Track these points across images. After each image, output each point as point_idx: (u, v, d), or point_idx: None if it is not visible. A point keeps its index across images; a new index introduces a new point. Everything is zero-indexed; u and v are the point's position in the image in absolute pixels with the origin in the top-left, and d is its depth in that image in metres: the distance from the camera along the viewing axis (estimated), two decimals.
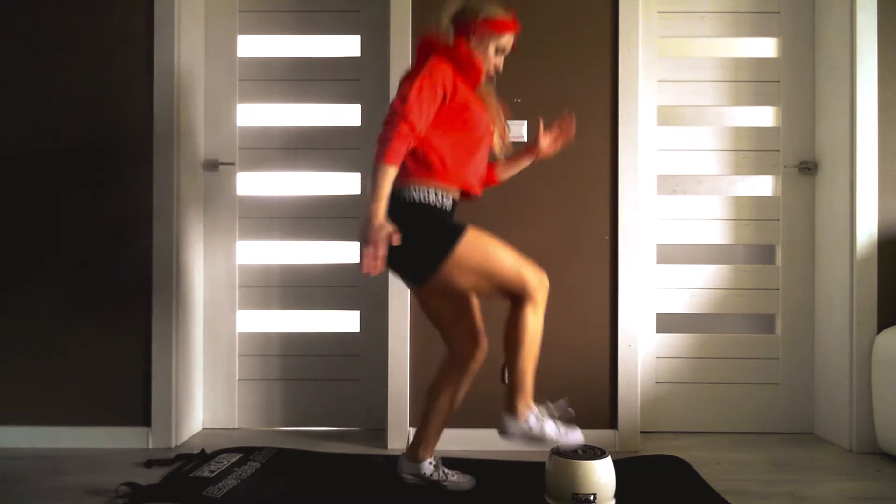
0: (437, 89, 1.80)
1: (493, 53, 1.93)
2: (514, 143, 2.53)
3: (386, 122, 1.77)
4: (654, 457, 2.38)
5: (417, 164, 1.84)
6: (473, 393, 2.49)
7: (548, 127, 2.16)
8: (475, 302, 2.04)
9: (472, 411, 2.52)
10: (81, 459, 2.37)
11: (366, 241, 1.72)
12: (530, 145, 2.15)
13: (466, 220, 1.91)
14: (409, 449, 2.10)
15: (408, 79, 1.85)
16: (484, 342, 2.04)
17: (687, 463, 2.29)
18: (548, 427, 1.86)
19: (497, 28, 1.90)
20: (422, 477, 2.06)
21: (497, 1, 1.92)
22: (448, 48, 1.88)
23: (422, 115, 1.78)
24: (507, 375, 1.92)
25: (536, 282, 1.85)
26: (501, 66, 1.98)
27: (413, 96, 1.76)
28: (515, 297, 1.86)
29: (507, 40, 1.93)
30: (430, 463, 2.08)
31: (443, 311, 2.01)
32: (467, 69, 1.89)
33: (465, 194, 1.98)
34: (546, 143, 2.14)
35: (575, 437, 1.87)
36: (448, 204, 1.90)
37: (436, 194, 1.86)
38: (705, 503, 1.93)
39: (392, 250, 1.77)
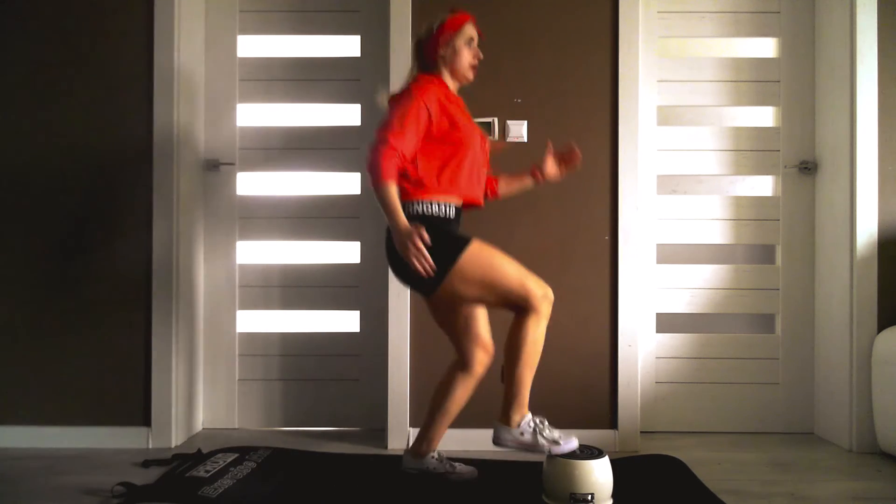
0: (421, 111, 1.87)
1: (466, 46, 2.00)
2: (515, 144, 2.54)
3: (371, 150, 1.84)
4: (650, 457, 2.38)
5: (413, 185, 1.91)
6: (474, 393, 2.49)
7: (555, 152, 2.20)
8: (484, 310, 2.07)
9: (471, 411, 2.52)
10: (81, 459, 2.37)
11: (406, 253, 1.79)
12: (535, 167, 2.18)
13: (469, 226, 1.93)
14: (413, 446, 2.14)
15: (391, 104, 1.93)
16: (491, 349, 2.08)
17: (683, 463, 2.29)
18: (541, 436, 1.89)
19: (453, 26, 1.99)
20: (426, 471, 2.11)
21: (441, 11, 2.03)
22: (425, 73, 2.00)
23: (405, 137, 1.84)
24: (511, 385, 1.94)
25: (540, 294, 1.88)
26: (480, 54, 2.05)
27: (395, 121, 1.85)
28: (519, 308, 1.89)
29: (470, 30, 2.01)
30: (433, 457, 2.13)
31: (452, 319, 2.05)
32: (453, 65, 1.99)
33: (469, 205, 2.04)
34: (551, 167, 2.18)
35: (570, 445, 1.88)
36: (451, 213, 1.95)
37: (438, 206, 1.92)
38: (701, 503, 1.93)
39: (398, 262, 1.88)
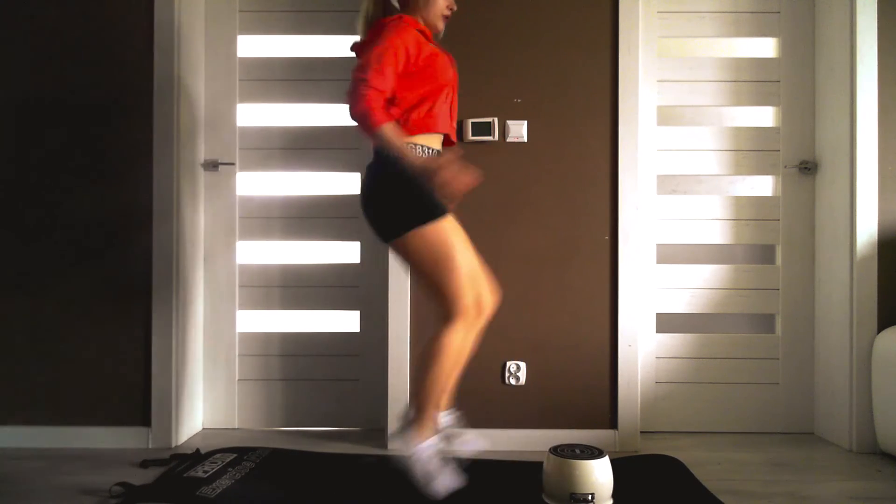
0: (399, 51, 1.85)
1: None
2: (514, 143, 2.54)
3: (351, 92, 1.81)
4: (648, 456, 2.38)
5: (394, 122, 1.88)
6: (473, 393, 2.50)
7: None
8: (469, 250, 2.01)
9: (471, 412, 2.53)
10: (81, 459, 2.37)
11: (433, 183, 1.79)
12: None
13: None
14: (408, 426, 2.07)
15: (362, 46, 1.91)
16: (491, 288, 2.00)
17: (681, 462, 2.29)
18: (434, 461, 1.88)
19: None
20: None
21: None
22: (400, 14, 1.96)
23: (383, 77, 1.82)
24: (417, 393, 1.90)
25: (470, 307, 1.84)
26: (454, 5, 2.04)
27: (373, 61, 1.81)
28: (444, 309, 1.85)
29: None
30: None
31: (425, 260, 1.92)
32: (426, 9, 1.97)
33: (445, 143, 2.04)
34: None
35: (451, 482, 1.88)
36: (433, 155, 1.94)
37: (421, 148, 1.91)
38: (699, 502, 1.93)
39: (371, 199, 1.86)
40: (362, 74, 1.81)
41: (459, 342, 1.85)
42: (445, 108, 1.98)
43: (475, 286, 1.85)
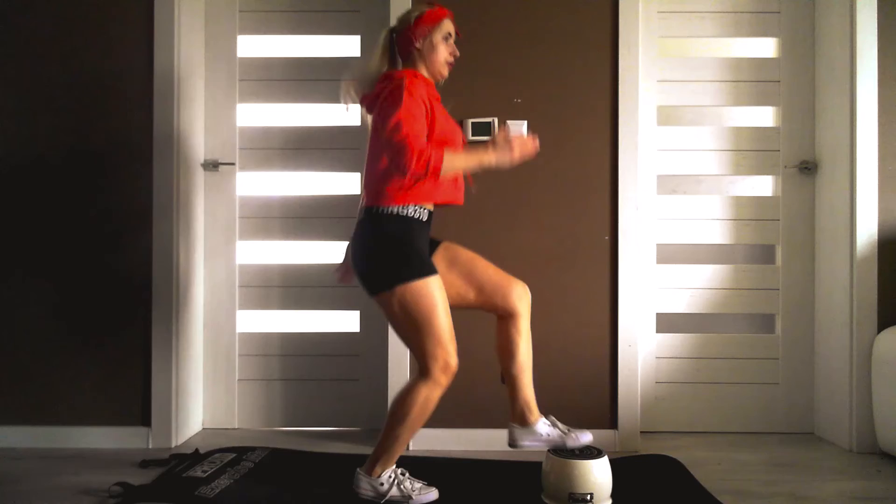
0: (421, 105, 1.84)
1: (443, 42, 1.97)
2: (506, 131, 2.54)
3: (397, 163, 1.80)
4: (647, 456, 2.39)
5: (399, 187, 1.86)
6: (473, 393, 2.50)
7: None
8: (480, 264, 2.01)
9: (470, 412, 2.53)
10: (81, 459, 2.37)
11: (515, 158, 1.89)
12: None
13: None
14: (515, 417, 2.01)
15: (388, 106, 1.83)
16: (517, 286, 2.00)
17: (680, 462, 2.29)
18: (399, 488, 1.90)
19: (432, 20, 1.95)
20: (543, 438, 1.97)
21: (417, 2, 1.99)
22: (407, 68, 1.95)
23: (420, 135, 1.81)
24: (382, 437, 1.91)
25: (446, 365, 1.84)
26: (457, 51, 2.01)
27: (404, 122, 1.79)
28: (421, 365, 1.85)
29: (448, 26, 1.98)
30: (545, 423, 1.99)
31: (404, 320, 1.88)
32: (429, 60, 1.95)
33: (448, 204, 2.01)
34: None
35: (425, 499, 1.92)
36: (424, 216, 1.92)
37: (412, 209, 1.88)
38: (697, 502, 1.94)
39: (360, 253, 1.87)
40: (398, 137, 1.78)
41: (432, 398, 1.86)
42: (451, 177, 1.94)
43: (449, 348, 1.85)
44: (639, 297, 2.53)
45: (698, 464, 2.33)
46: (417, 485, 1.92)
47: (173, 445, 2.51)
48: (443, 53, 1.96)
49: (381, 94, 1.88)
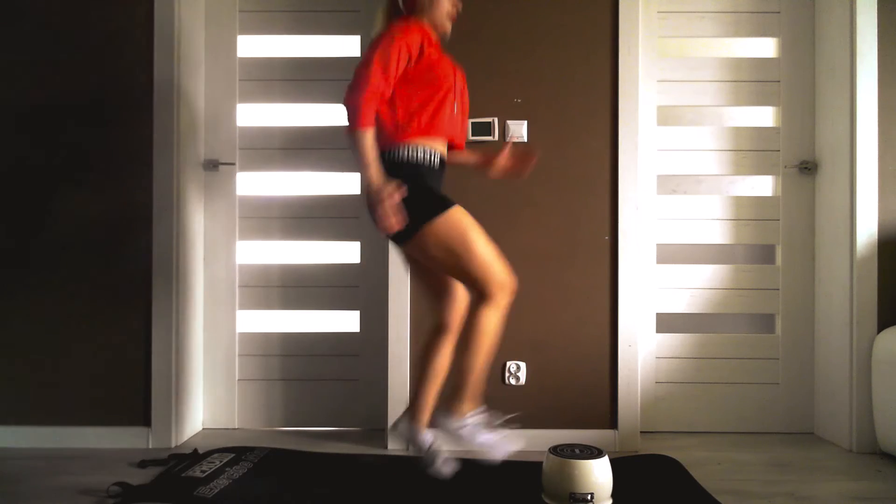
0: (402, 52, 1.87)
1: None
2: (514, 143, 2.54)
3: (350, 87, 1.84)
4: (645, 456, 2.39)
5: (396, 126, 1.90)
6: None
7: (514, 152, 2.21)
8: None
9: None
10: (81, 459, 2.37)
11: (375, 204, 1.81)
12: (487, 155, 2.20)
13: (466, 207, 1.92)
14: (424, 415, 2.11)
15: (371, 45, 1.91)
16: (460, 297, 2.05)
17: (678, 462, 2.29)
18: (479, 434, 1.91)
19: None
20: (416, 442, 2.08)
21: None
22: (406, 16, 1.98)
23: (386, 77, 1.84)
24: (458, 373, 1.92)
25: (502, 282, 1.87)
26: (460, 4, 2.05)
27: (375, 59, 1.84)
28: (476, 291, 1.88)
29: None
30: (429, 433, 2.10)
31: (447, 258, 1.90)
32: (432, 11, 1.98)
33: (451, 147, 2.05)
34: (503, 162, 2.19)
35: (505, 448, 1.92)
36: (436, 161, 1.95)
37: (423, 151, 1.91)
38: (695, 502, 1.94)
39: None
40: (363, 70, 1.83)
41: (497, 321, 1.88)
42: (450, 114, 1.98)
43: (497, 266, 1.88)
44: (639, 297, 2.53)
45: (698, 464, 2.33)
46: (495, 439, 1.93)
47: (173, 445, 2.51)
48: (445, 5, 2.00)
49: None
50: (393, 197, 1.78)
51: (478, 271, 1.85)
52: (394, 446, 2.52)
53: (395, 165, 1.89)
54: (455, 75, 2.01)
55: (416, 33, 1.91)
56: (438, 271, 1.97)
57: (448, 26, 2.05)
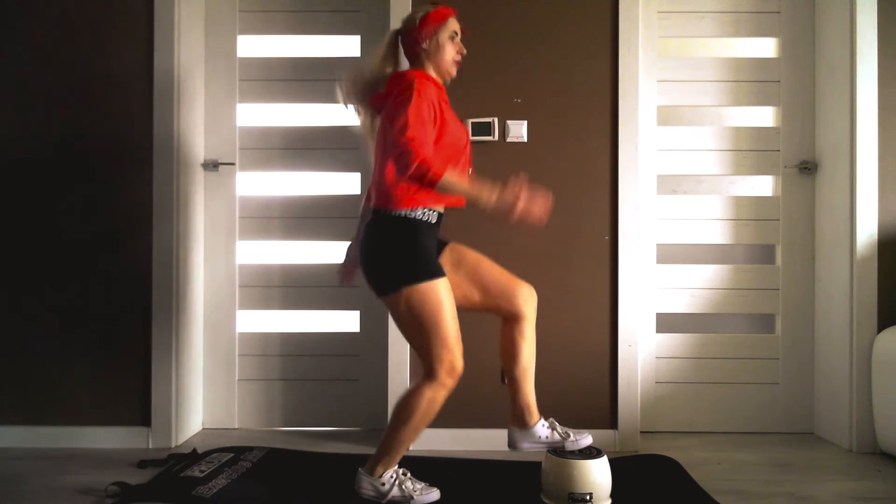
0: (432, 109, 1.83)
1: (450, 41, 1.96)
2: (514, 143, 2.54)
3: (400, 157, 1.75)
4: (644, 456, 2.39)
5: (405, 190, 1.83)
6: (473, 394, 2.50)
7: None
8: (486, 265, 1.99)
9: (469, 412, 2.53)
10: (81, 459, 2.37)
11: (517, 212, 1.77)
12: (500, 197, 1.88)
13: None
14: (515, 419, 2.02)
15: (397, 106, 1.82)
16: (523, 289, 1.98)
17: (677, 462, 2.29)
18: (400, 488, 1.89)
19: (437, 19, 1.94)
20: (542, 441, 1.99)
21: (421, 2, 1.98)
22: (416, 69, 1.94)
23: (426, 139, 1.78)
24: (385, 436, 1.90)
25: (452, 367, 1.83)
26: (464, 49, 2.00)
27: (412, 121, 1.76)
28: (426, 367, 1.85)
29: (453, 24, 1.97)
30: (543, 425, 1.99)
31: (412, 322, 1.87)
32: (437, 60, 1.94)
33: (453, 206, 2.00)
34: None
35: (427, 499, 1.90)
36: (434, 217, 1.91)
37: (422, 211, 1.87)
38: (694, 502, 1.94)
39: (369, 254, 1.86)
40: (408, 136, 1.74)
41: (437, 400, 1.85)
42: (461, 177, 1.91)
43: (455, 351, 1.84)
44: (639, 297, 2.53)
45: (698, 464, 2.33)
46: (419, 485, 1.91)
47: (173, 445, 2.51)
48: (450, 52, 1.96)
49: (391, 93, 1.87)
50: (520, 189, 1.75)
51: (435, 350, 1.82)
52: None
53: (390, 221, 1.84)
54: (466, 136, 1.97)
55: (433, 88, 1.87)
56: (400, 331, 1.91)
57: (454, 72, 1.99)
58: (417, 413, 1.84)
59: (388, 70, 1.98)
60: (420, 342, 1.85)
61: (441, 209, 1.94)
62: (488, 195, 1.78)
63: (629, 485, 2.07)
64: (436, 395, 1.84)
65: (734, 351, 2.79)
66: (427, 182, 1.75)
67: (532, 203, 1.79)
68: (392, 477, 1.90)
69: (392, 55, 2.00)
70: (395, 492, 1.89)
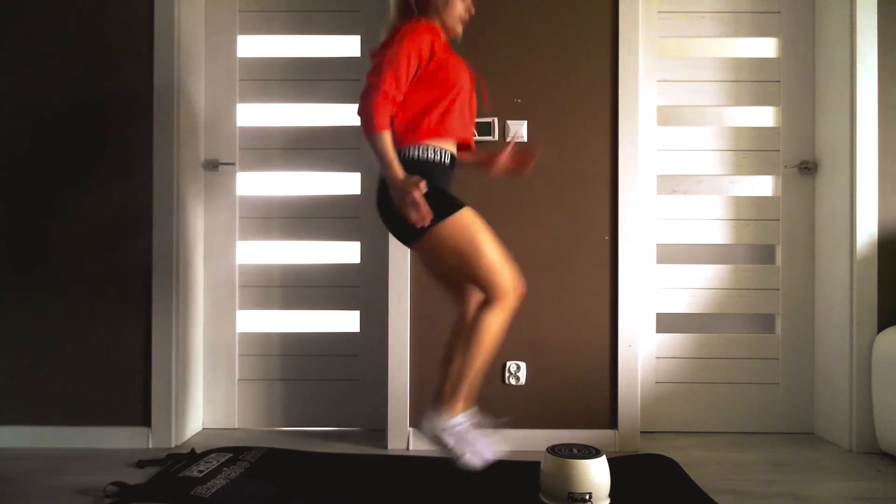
0: (413, 55, 1.86)
1: None
2: (516, 143, 2.54)
3: (362, 94, 1.84)
4: (643, 456, 2.39)
5: (406, 126, 1.90)
6: (474, 393, 2.49)
7: (515, 150, 2.18)
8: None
9: None
10: (81, 459, 2.37)
11: (401, 203, 1.79)
12: (489, 154, 2.17)
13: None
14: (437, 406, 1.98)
15: (380, 49, 1.91)
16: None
17: (675, 462, 2.29)
18: (469, 435, 1.88)
19: None
20: (434, 437, 1.95)
21: None
22: (418, 17, 1.97)
23: (397, 82, 1.84)
24: (449, 369, 1.89)
25: (509, 286, 1.86)
26: (473, 8, 2.04)
27: (385, 65, 1.84)
28: (483, 293, 1.88)
29: None
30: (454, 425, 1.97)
31: (456, 260, 1.90)
32: (445, 13, 1.98)
33: (462, 147, 2.04)
34: (505, 160, 2.14)
35: (489, 453, 1.89)
36: (447, 159, 1.94)
37: (433, 151, 1.91)
38: (692, 502, 1.94)
39: (388, 210, 1.87)
40: (374, 78, 1.83)
41: (500, 324, 1.88)
42: (460, 114, 1.97)
43: (506, 269, 1.88)
44: (639, 297, 2.53)
45: (698, 464, 2.33)
46: (480, 443, 1.89)
47: (173, 445, 2.51)
48: (458, 7, 1.99)
49: (386, 45, 1.93)
50: (417, 190, 1.77)
51: (485, 274, 1.85)
52: (394, 446, 2.52)
53: (405, 165, 1.88)
54: (467, 76, 2.00)
55: (427, 34, 1.91)
56: (446, 272, 1.96)
57: (459, 29, 2.04)
58: (491, 340, 1.86)
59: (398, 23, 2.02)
60: (470, 273, 1.87)
61: (453, 150, 1.97)
62: (392, 176, 1.81)
63: (628, 484, 2.07)
64: (504, 318, 1.87)
65: (734, 351, 2.79)
66: (364, 127, 1.82)
67: (410, 210, 1.79)
68: (457, 424, 1.88)
69: (400, 6, 2.03)
70: (461, 442, 1.87)
